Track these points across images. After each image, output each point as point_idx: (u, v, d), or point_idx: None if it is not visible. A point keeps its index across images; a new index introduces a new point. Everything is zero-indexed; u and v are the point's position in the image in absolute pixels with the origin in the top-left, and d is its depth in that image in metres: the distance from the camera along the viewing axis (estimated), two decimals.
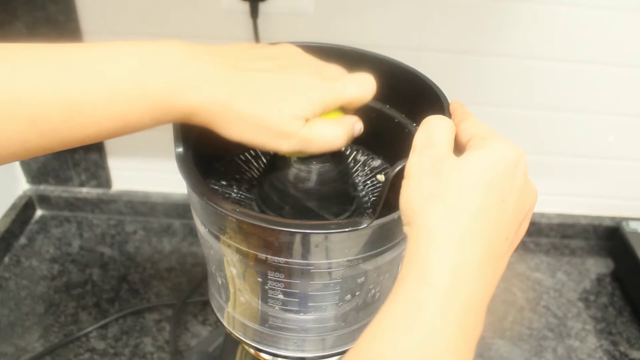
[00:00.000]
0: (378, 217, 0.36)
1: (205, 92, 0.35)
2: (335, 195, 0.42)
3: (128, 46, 0.34)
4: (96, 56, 0.34)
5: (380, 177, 0.49)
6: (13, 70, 0.31)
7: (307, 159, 0.40)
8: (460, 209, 0.31)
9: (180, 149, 0.40)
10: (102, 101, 0.33)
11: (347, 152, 0.52)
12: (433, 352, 0.29)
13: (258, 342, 0.47)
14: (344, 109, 0.40)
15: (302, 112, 0.36)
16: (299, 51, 0.41)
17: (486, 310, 0.32)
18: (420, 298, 0.30)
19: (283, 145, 0.37)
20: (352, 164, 0.51)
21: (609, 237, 0.97)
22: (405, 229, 0.33)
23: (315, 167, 0.40)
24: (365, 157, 0.51)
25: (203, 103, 0.35)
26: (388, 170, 0.50)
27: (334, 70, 0.41)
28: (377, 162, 0.51)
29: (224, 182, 0.48)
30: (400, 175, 0.34)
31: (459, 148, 0.35)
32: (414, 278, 0.30)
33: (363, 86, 0.40)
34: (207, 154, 0.45)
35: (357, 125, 0.40)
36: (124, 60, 0.34)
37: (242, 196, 0.47)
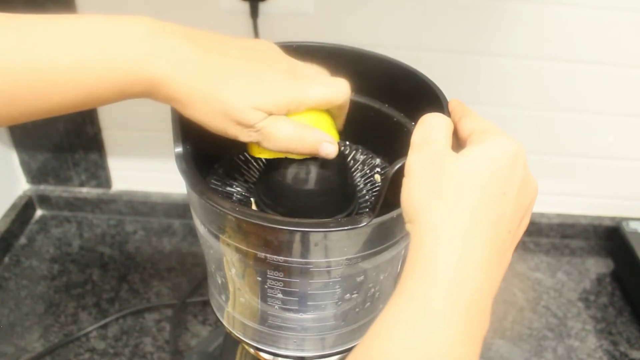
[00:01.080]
0: (377, 216, 0.36)
1: (171, 65, 0.34)
2: (334, 194, 0.42)
3: (96, 18, 0.34)
4: (63, 25, 0.33)
5: (377, 177, 0.49)
6: None
7: (305, 159, 0.40)
8: (462, 204, 0.31)
9: (179, 149, 0.40)
10: (67, 69, 0.32)
11: (347, 151, 0.52)
12: (438, 349, 0.29)
13: (258, 342, 0.47)
14: (332, 114, 0.40)
15: (264, 104, 0.36)
16: (276, 49, 0.40)
17: (491, 306, 0.32)
18: (425, 295, 0.30)
19: (241, 134, 0.36)
20: (351, 163, 0.51)
21: (609, 237, 0.97)
22: (408, 226, 0.33)
23: (314, 166, 0.40)
24: (365, 156, 0.51)
25: (168, 77, 0.34)
26: (385, 169, 0.50)
27: (310, 71, 0.40)
28: (376, 161, 0.51)
29: (223, 182, 0.48)
30: (399, 173, 0.34)
31: (460, 144, 0.35)
32: (418, 275, 0.30)
33: (333, 89, 0.39)
34: (207, 153, 0.45)
35: (325, 146, 0.38)
36: (91, 30, 0.33)
37: (242, 195, 0.47)
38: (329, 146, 0.39)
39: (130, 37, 0.34)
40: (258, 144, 0.38)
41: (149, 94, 0.35)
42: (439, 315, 0.29)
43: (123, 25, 0.34)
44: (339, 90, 0.39)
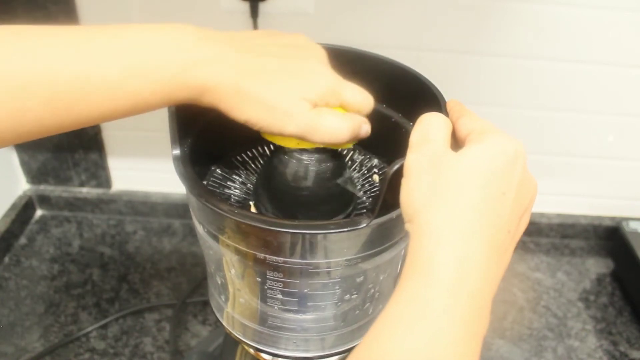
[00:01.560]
0: (376, 217, 0.36)
1: (216, 70, 0.35)
2: (332, 195, 0.42)
3: (141, 26, 0.35)
4: (110, 36, 0.34)
5: (376, 178, 0.49)
6: (29, 51, 0.32)
7: (305, 158, 0.40)
8: (461, 204, 0.31)
9: (177, 151, 0.40)
10: (116, 79, 0.34)
11: (344, 152, 0.52)
12: (439, 349, 0.29)
13: (258, 342, 0.47)
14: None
15: (310, 95, 0.36)
16: (312, 43, 0.41)
17: (491, 305, 0.32)
18: (425, 295, 0.30)
19: (288, 126, 0.36)
20: (349, 164, 0.51)
21: (609, 237, 0.97)
22: (407, 227, 0.33)
23: (312, 167, 0.40)
24: (363, 156, 0.51)
25: (214, 81, 0.35)
26: (383, 170, 0.50)
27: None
28: (374, 162, 0.51)
29: (221, 183, 0.48)
30: (398, 174, 0.34)
31: (458, 144, 0.35)
32: (417, 275, 0.30)
33: (366, 96, 0.40)
34: (205, 155, 0.45)
35: (364, 126, 0.40)
36: (137, 40, 0.35)
37: (240, 196, 0.47)
38: (366, 126, 0.40)
39: (176, 45, 0.35)
40: (303, 137, 0.38)
41: (194, 99, 0.36)
42: (440, 316, 0.29)
43: (168, 34, 0.35)
44: (370, 100, 0.40)
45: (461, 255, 0.30)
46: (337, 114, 0.38)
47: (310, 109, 0.36)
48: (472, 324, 0.30)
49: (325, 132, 0.37)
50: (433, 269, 0.30)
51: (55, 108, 0.33)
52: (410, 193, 0.33)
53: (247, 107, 0.36)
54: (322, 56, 0.40)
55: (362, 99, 0.39)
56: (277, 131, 0.37)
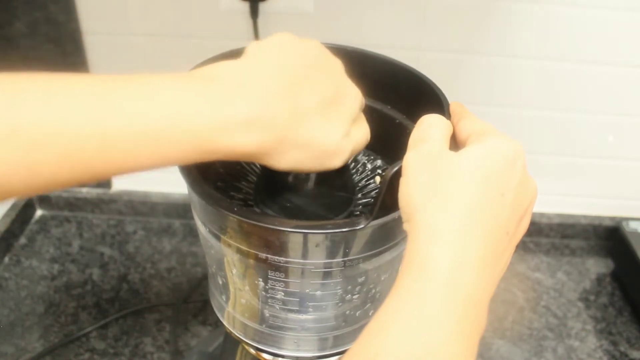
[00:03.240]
0: (377, 217, 0.36)
1: (252, 132, 0.32)
2: (335, 195, 0.42)
3: (169, 80, 0.32)
4: (135, 91, 0.31)
5: (378, 179, 0.49)
6: (49, 102, 0.29)
7: None
8: (458, 203, 0.31)
9: None
10: (139, 138, 0.31)
11: None
12: (433, 347, 0.29)
13: (258, 342, 0.47)
14: None
15: (348, 127, 0.36)
16: (326, 52, 0.39)
17: (488, 306, 0.32)
18: (420, 293, 0.30)
19: (336, 162, 0.36)
20: (352, 164, 0.51)
21: (609, 237, 0.97)
22: (405, 226, 0.33)
23: None
24: (366, 157, 0.51)
25: (252, 143, 0.33)
26: (386, 170, 0.50)
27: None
28: (377, 163, 0.51)
29: (224, 181, 0.48)
30: (397, 175, 0.34)
31: (458, 146, 0.35)
32: (414, 273, 0.31)
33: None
34: None
35: None
36: (163, 97, 0.31)
37: (242, 195, 0.47)
38: None
39: (206, 104, 0.32)
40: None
41: (231, 157, 0.34)
42: (434, 314, 0.29)
43: (195, 88, 0.32)
44: None
45: (456, 254, 0.30)
46: (359, 124, 0.39)
47: (350, 137, 0.37)
48: (467, 322, 0.30)
49: (360, 145, 0.38)
50: (427, 268, 0.30)
51: (72, 164, 0.30)
52: (408, 192, 0.33)
53: (290, 156, 0.34)
54: (340, 65, 0.39)
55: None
56: (322, 169, 0.37)
